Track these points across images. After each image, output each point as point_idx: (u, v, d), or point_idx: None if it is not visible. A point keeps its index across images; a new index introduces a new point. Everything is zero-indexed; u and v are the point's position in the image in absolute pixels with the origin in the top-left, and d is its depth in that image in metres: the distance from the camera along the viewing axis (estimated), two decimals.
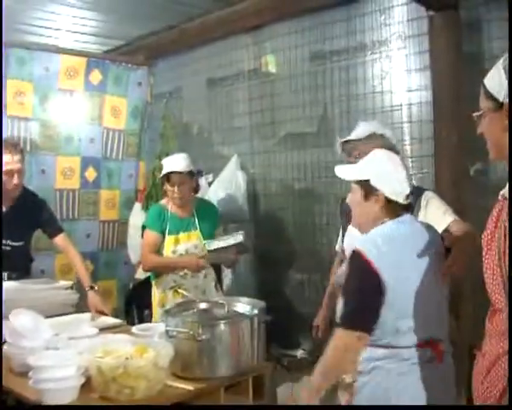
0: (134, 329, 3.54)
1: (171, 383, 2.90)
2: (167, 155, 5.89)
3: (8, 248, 4.09)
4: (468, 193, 3.94)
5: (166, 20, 5.94)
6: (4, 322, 3.13)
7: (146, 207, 5.88)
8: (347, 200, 2.84)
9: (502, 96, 2.00)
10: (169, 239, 4.31)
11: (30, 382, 2.65)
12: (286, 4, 5.24)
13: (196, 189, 4.49)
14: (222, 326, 2.99)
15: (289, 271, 4.76)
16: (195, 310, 3.25)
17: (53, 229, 4.32)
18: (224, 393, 3.01)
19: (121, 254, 5.88)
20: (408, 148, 4.53)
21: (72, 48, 6.01)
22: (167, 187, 4.30)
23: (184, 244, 4.31)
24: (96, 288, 4.20)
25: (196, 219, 4.37)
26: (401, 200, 2.66)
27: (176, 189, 4.24)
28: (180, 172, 4.25)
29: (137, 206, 5.97)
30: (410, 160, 4.49)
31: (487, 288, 2.11)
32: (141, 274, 5.74)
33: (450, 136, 3.95)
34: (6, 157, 3.98)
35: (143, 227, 4.51)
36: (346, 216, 3.74)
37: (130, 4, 5.54)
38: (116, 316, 4.36)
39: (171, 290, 4.32)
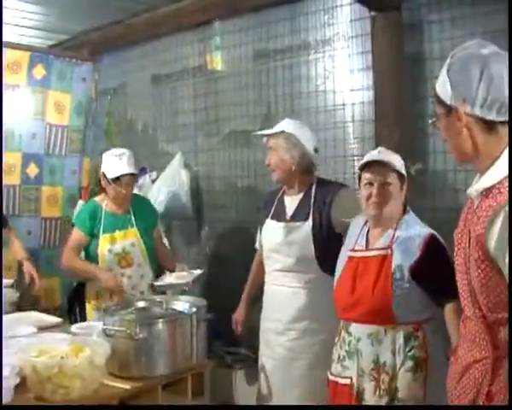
0: (73, 327, 3.51)
1: (108, 382, 2.88)
2: None
3: None
4: (409, 193, 3.98)
5: (112, 15, 5.86)
6: None
7: None
8: (374, 194, 3.03)
9: (449, 100, 2.03)
10: (104, 238, 4.22)
11: None
12: (231, 2, 5.23)
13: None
14: (159, 325, 2.99)
15: (232, 268, 4.74)
16: (133, 308, 3.23)
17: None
18: (163, 391, 3.00)
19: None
20: (350, 147, 4.54)
21: (17, 42, 5.89)
22: (113, 187, 4.20)
23: (121, 243, 4.23)
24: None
25: (133, 216, 4.29)
26: None
27: (123, 189, 4.18)
28: (132, 174, 4.22)
29: (81, 203, 5.88)
30: (353, 159, 4.51)
31: (459, 291, 2.14)
32: None
33: (391, 135, 3.97)
34: None
35: (72, 224, 4.44)
36: (268, 210, 3.82)
37: None
38: (60, 315, 4.28)
39: (107, 291, 4.21)
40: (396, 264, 2.94)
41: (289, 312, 3.67)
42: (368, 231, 3.16)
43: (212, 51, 5.56)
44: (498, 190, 1.92)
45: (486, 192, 1.96)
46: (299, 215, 3.68)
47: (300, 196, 3.74)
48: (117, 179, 4.18)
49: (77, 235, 4.30)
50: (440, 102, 2.08)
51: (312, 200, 3.66)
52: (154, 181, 5.55)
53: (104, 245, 4.21)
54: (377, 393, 2.94)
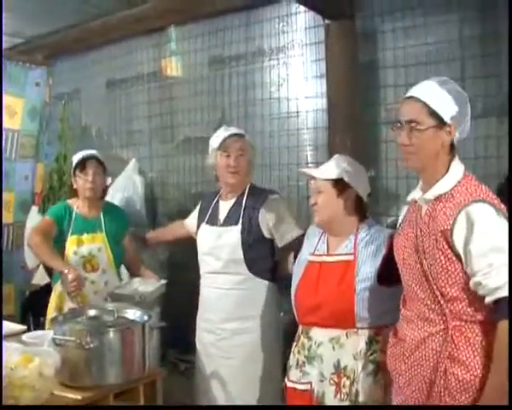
0: (24, 337, 3.44)
1: (59, 392, 2.84)
2: (65, 157, 5.78)
3: None
4: None
5: (66, 19, 5.80)
6: None
7: (43, 210, 5.73)
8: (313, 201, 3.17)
9: (447, 116, 2.45)
10: (71, 240, 4.17)
11: None
12: (186, 8, 5.20)
13: (105, 191, 4.42)
14: (110, 334, 2.95)
15: (186, 275, 4.72)
16: (84, 317, 3.19)
17: None
18: (114, 401, 2.97)
19: (17, 259, 5.70)
20: (304, 154, 4.58)
21: None
22: (79, 177, 4.18)
23: (87, 246, 4.17)
24: None
25: (103, 221, 4.25)
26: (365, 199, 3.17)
27: (90, 177, 4.14)
28: (96, 159, 4.19)
29: (34, 209, 5.81)
30: (305, 166, 4.54)
31: (406, 280, 2.61)
32: (38, 280, 5.60)
33: (343, 142, 4.01)
34: None
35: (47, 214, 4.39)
36: (204, 215, 3.92)
37: (29, 1, 5.39)
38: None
39: (69, 294, 4.07)
40: (360, 268, 3.01)
41: (220, 312, 3.80)
42: (328, 238, 3.23)
43: (168, 57, 5.55)
44: (451, 195, 2.44)
45: (439, 197, 2.47)
46: (230, 220, 3.82)
47: (233, 201, 3.87)
48: (83, 168, 4.16)
49: (45, 219, 4.26)
50: (434, 114, 2.45)
51: (243, 205, 3.79)
52: (108, 187, 5.50)
53: (70, 247, 4.16)
54: (338, 397, 2.98)
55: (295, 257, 3.42)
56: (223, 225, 3.83)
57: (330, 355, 3.02)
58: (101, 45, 5.99)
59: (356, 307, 2.96)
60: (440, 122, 2.46)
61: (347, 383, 2.97)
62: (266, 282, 3.77)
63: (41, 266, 5.53)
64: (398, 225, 2.83)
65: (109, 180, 5.43)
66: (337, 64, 4.18)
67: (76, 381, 2.91)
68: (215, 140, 3.88)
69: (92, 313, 3.27)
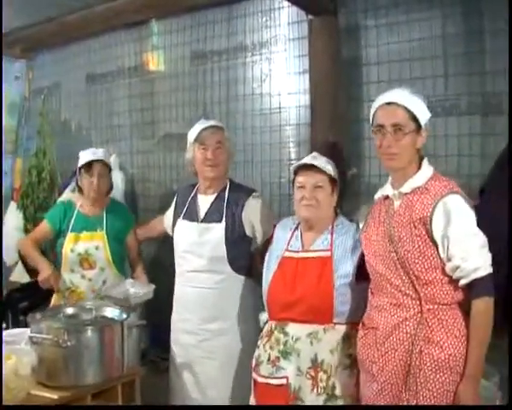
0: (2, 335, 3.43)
1: (36, 392, 2.84)
2: (44, 152, 5.76)
3: None
4: (343, 196, 4.04)
5: (46, 12, 5.76)
6: None
7: (21, 206, 5.72)
8: (306, 197, 3.16)
9: (423, 121, 2.77)
10: (69, 237, 4.19)
11: None
12: (168, 1, 5.19)
13: (110, 189, 4.40)
14: (88, 332, 2.95)
15: (167, 273, 4.71)
16: (62, 315, 3.18)
17: None
18: (92, 400, 2.98)
19: None
20: (286, 151, 4.59)
21: None
22: (84, 178, 4.19)
23: (84, 244, 4.17)
24: None
25: (105, 220, 4.25)
26: None
27: (95, 180, 4.15)
28: (102, 162, 4.19)
29: (13, 205, 5.80)
30: (288, 162, 4.55)
31: (377, 270, 2.81)
32: (17, 277, 5.58)
33: (326, 139, 4.01)
34: None
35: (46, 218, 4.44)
36: (180, 210, 3.91)
37: None
38: None
39: (67, 291, 4.17)
40: (338, 265, 3.07)
41: (201, 312, 3.75)
42: (301, 234, 3.26)
43: (149, 51, 5.53)
44: (425, 189, 2.73)
45: (414, 191, 2.75)
46: (212, 216, 3.78)
47: (213, 197, 3.83)
48: (89, 169, 4.16)
49: (43, 226, 4.33)
50: (414, 119, 2.75)
51: (225, 202, 3.76)
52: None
53: (68, 244, 4.18)
54: (315, 391, 3.03)
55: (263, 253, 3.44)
56: (204, 221, 3.79)
57: (307, 350, 3.06)
58: (82, 39, 5.96)
59: (335, 303, 3.02)
60: (418, 127, 2.77)
61: (324, 377, 3.03)
62: (246, 279, 3.75)
63: (19, 264, 5.51)
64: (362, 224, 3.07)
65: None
66: (320, 60, 4.18)
67: (53, 380, 2.92)
68: (192, 133, 3.85)
69: (70, 311, 3.28)
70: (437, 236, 2.66)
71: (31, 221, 5.60)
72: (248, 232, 3.74)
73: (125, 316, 3.14)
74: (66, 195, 5.15)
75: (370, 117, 2.87)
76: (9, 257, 5.65)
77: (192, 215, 3.85)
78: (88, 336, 2.95)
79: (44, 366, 2.88)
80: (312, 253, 3.17)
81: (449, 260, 2.65)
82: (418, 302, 2.70)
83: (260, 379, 3.18)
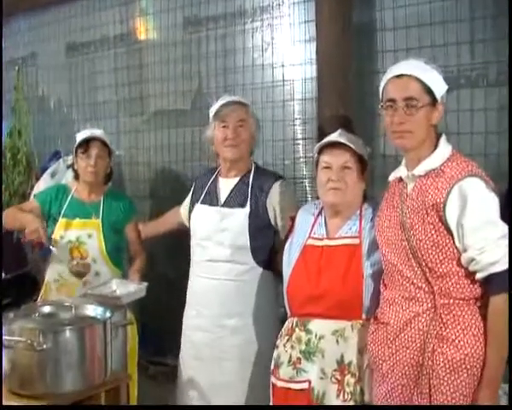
0: None
1: (7, 402, 2.80)
2: (19, 132, 5.73)
3: None
4: None
5: None
6: None
7: None
8: (332, 179, 3.11)
9: (439, 94, 2.74)
10: (60, 223, 4.15)
11: None
12: None
13: (110, 175, 4.36)
14: (67, 333, 2.91)
15: (158, 268, 4.70)
16: (37, 314, 3.14)
17: None
18: None
19: None
20: (290, 129, 4.56)
21: None
22: (81, 159, 4.16)
23: (75, 231, 4.13)
24: None
25: (101, 208, 4.21)
26: None
27: (92, 160, 4.11)
28: (100, 141, 4.15)
29: None
30: (292, 142, 4.53)
31: (389, 259, 2.81)
32: None
33: (334, 116, 3.97)
34: None
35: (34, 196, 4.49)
36: (199, 194, 3.84)
37: None
38: None
39: (55, 283, 4.14)
40: (368, 253, 3.04)
41: (218, 307, 3.72)
42: (325, 220, 3.23)
43: (136, 18, 5.50)
44: (441, 171, 2.70)
45: (428, 173, 2.72)
46: (234, 200, 3.75)
47: (236, 180, 3.80)
48: (86, 149, 4.13)
49: (30, 202, 4.38)
50: (429, 92, 2.71)
51: (250, 187, 3.73)
52: (69, 167, 5.45)
53: (58, 231, 4.14)
54: (341, 397, 2.99)
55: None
56: (224, 205, 3.77)
57: (333, 350, 3.03)
58: (61, 3, 5.93)
59: (364, 297, 2.99)
60: (433, 100, 2.74)
61: (352, 380, 2.99)
62: (268, 273, 3.71)
63: None
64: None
65: (69, 159, 5.40)
66: (328, 26, 4.12)
67: (27, 388, 2.87)
68: (212, 109, 3.82)
69: (47, 309, 3.22)
70: (451, 224, 2.64)
71: (5, 209, 5.56)
72: (273, 221, 3.71)
73: (108, 315, 3.09)
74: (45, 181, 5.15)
75: (380, 91, 2.84)
76: None
77: (212, 199, 3.83)
78: (66, 337, 2.89)
79: (17, 372, 2.84)
80: (339, 240, 3.14)
81: (464, 250, 2.62)
82: (432, 296, 2.69)
83: (280, 383, 3.16)
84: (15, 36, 6.21)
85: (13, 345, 2.85)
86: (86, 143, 4.14)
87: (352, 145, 3.12)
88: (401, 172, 2.87)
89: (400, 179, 2.88)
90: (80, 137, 4.20)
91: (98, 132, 4.23)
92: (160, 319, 4.26)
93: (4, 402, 2.76)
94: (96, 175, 4.18)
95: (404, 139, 2.75)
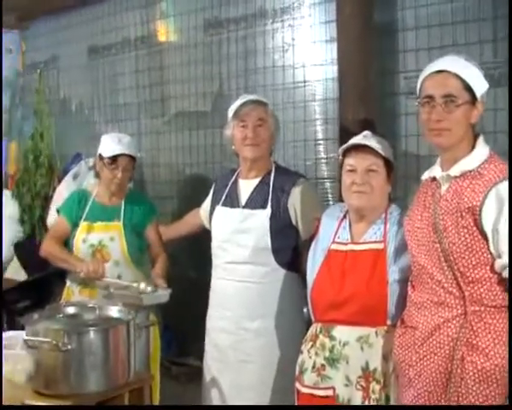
0: None
1: (32, 401, 2.81)
2: (42, 134, 5.76)
3: None
4: None
5: None
6: None
7: (17, 196, 5.72)
8: (357, 183, 3.07)
9: (479, 93, 2.67)
10: (82, 226, 4.17)
11: None
12: None
13: (131, 178, 4.37)
14: (91, 334, 2.91)
15: (179, 268, 4.70)
16: (61, 315, 3.16)
17: None
18: None
19: None
20: (312, 129, 4.55)
21: None
22: (107, 169, 4.15)
23: (97, 234, 4.16)
24: None
25: (122, 211, 4.22)
26: None
27: (119, 174, 4.11)
28: (129, 156, 4.16)
29: (7, 194, 5.80)
30: (313, 143, 4.53)
31: (419, 261, 2.75)
32: (12, 274, 5.59)
33: (356, 116, 3.95)
34: None
35: (57, 211, 4.44)
36: (219, 195, 3.88)
37: None
38: None
39: (78, 286, 4.16)
40: (393, 258, 3.00)
41: (240, 309, 3.71)
42: (350, 224, 3.20)
43: (157, 20, 5.51)
44: (478, 173, 2.62)
45: (464, 175, 2.65)
46: (255, 202, 3.74)
47: (256, 181, 3.79)
48: (113, 161, 4.13)
49: (59, 222, 4.32)
50: (469, 89, 2.65)
51: (271, 187, 3.71)
52: (91, 169, 5.48)
53: (80, 234, 4.16)
54: (366, 404, 2.96)
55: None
56: (245, 206, 3.76)
57: (357, 356, 2.99)
58: (82, 6, 5.96)
59: (389, 302, 2.96)
60: (472, 98, 2.66)
61: (377, 387, 2.96)
62: (291, 274, 3.69)
63: (15, 260, 5.52)
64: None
65: (91, 161, 5.45)
66: (349, 26, 4.10)
67: (52, 388, 2.87)
68: (231, 109, 3.81)
69: (71, 310, 3.24)
70: (487, 228, 2.56)
71: (27, 211, 5.61)
72: (294, 222, 3.69)
73: (132, 316, 3.10)
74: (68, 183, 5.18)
75: (417, 88, 2.79)
76: (4, 252, 5.67)
77: (233, 201, 3.82)
78: (90, 338, 2.89)
79: (42, 372, 2.84)
80: (363, 245, 3.10)
81: (499, 256, 2.55)
82: (462, 302, 2.62)
83: (304, 390, 3.13)
84: (37, 39, 6.23)
85: (37, 346, 2.88)
86: (114, 157, 4.14)
87: (377, 148, 3.08)
88: (435, 171, 2.80)
89: (433, 179, 2.80)
90: (107, 149, 4.17)
91: (127, 147, 4.18)
92: (182, 321, 4.26)
93: (29, 402, 2.78)
94: (121, 186, 4.20)
95: (441, 137, 2.68)
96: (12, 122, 5.77)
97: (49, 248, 4.22)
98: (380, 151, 3.07)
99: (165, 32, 5.46)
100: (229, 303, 3.76)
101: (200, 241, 4.17)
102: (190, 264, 4.82)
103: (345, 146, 3.19)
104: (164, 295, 3.86)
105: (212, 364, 3.84)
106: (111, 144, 4.18)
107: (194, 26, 5.21)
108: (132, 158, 4.21)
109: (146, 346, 3.60)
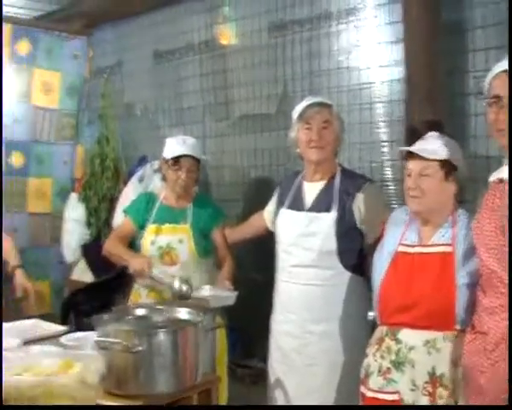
0: (63, 339, 3.45)
1: (103, 401, 2.83)
2: (107, 139, 5.82)
3: None
4: None
5: None
6: None
7: (84, 199, 5.79)
8: (410, 187, 3.06)
9: None
10: (150, 229, 4.23)
11: None
12: None
13: (197, 180, 4.40)
14: (161, 335, 2.93)
15: (244, 270, 4.70)
16: (131, 317, 3.19)
17: None
18: None
19: (54, 253, 5.78)
20: (378, 131, 4.52)
21: None
22: (171, 171, 4.21)
23: (166, 236, 4.20)
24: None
25: (190, 213, 4.28)
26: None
27: (183, 175, 4.17)
28: (193, 157, 4.20)
29: (74, 197, 5.88)
30: (379, 144, 4.50)
31: (488, 265, 2.66)
32: (78, 276, 5.67)
33: (423, 117, 3.91)
34: None
35: (124, 212, 4.51)
36: (284, 198, 3.88)
37: None
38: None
39: (145, 289, 4.23)
40: (462, 261, 2.96)
41: (305, 312, 3.71)
42: (418, 226, 3.17)
43: (221, 23, 5.52)
44: None
45: None
46: (321, 205, 3.73)
47: (322, 184, 3.78)
48: (177, 162, 4.17)
49: (126, 224, 4.39)
50: None
51: (336, 190, 3.71)
52: (156, 171, 5.52)
53: (149, 236, 4.21)
54: None
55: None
56: (311, 210, 3.75)
57: (424, 361, 2.95)
58: (146, 11, 6.00)
59: (457, 306, 2.91)
60: None
61: (444, 393, 2.91)
62: (356, 277, 3.69)
63: (82, 261, 5.60)
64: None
65: (156, 164, 5.50)
66: (416, 27, 4.08)
67: (122, 389, 2.90)
68: (295, 111, 3.81)
69: (140, 312, 3.27)
70: None
71: (94, 214, 5.68)
72: (359, 224, 3.68)
73: (200, 318, 3.12)
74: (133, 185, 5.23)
75: (485, 87, 2.74)
76: (69, 254, 5.75)
77: (298, 204, 3.81)
78: (160, 339, 2.91)
79: (112, 373, 2.87)
80: (431, 248, 3.06)
81: None
82: None
83: (369, 393, 3.10)
84: (103, 44, 6.31)
85: (108, 346, 2.91)
86: (177, 158, 4.18)
87: (428, 152, 3.04)
88: (503, 173, 2.70)
89: (501, 181, 2.71)
90: (171, 150, 4.22)
91: (190, 148, 4.22)
92: (247, 322, 4.25)
93: (100, 402, 2.81)
94: (186, 188, 4.24)
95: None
96: (79, 127, 5.84)
97: (110, 246, 4.30)
98: (429, 155, 3.04)
99: (228, 35, 5.47)
100: (293, 306, 3.76)
101: (265, 243, 4.16)
102: (255, 266, 4.82)
103: (401, 150, 3.22)
104: (230, 297, 3.89)
105: (277, 366, 3.84)
106: (175, 146, 4.22)
107: (259, 28, 5.21)
108: (196, 160, 4.23)
109: (212, 348, 3.62)
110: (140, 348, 2.84)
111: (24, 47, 5.46)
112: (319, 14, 4.81)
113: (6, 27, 5.37)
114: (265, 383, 3.99)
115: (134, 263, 4.04)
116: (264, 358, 4.09)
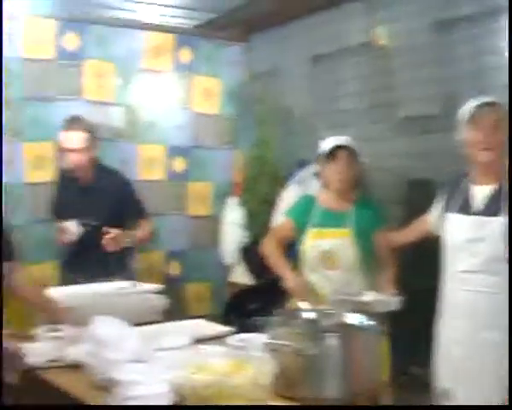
0: (230, 340, 3.49)
1: (272, 403, 2.83)
2: (266, 143, 5.87)
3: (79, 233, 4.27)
4: None
5: None
6: (84, 330, 3.12)
7: (243, 202, 5.86)
8: None
9: None
10: (311, 233, 4.22)
11: (115, 398, 2.62)
12: None
13: (358, 182, 4.36)
14: (332, 339, 2.90)
15: (404, 275, 4.62)
16: (299, 320, 3.17)
17: (134, 213, 4.44)
18: None
19: (214, 255, 5.87)
20: None
21: (159, 23, 6.02)
22: (328, 167, 4.22)
23: (327, 241, 4.18)
24: None
25: (353, 216, 4.23)
26: None
27: (340, 168, 4.16)
28: (348, 149, 4.19)
29: (233, 200, 5.96)
30: None
31: None
32: (238, 278, 5.73)
33: None
34: (64, 134, 4.36)
35: (285, 214, 4.57)
36: (452, 201, 3.77)
37: None
38: None
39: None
40: None
41: (474, 320, 3.59)
42: None
43: (381, 24, 5.45)
44: None
45: None
46: (490, 209, 3.60)
47: (491, 187, 3.64)
48: (332, 157, 4.17)
49: (286, 224, 4.43)
50: None
51: (506, 193, 3.56)
52: (315, 175, 5.51)
53: (309, 240, 4.21)
54: None
55: None
56: (479, 214, 3.62)
57: None
58: (303, 15, 6.01)
59: None
60: None
61: None
62: None
63: (241, 264, 5.66)
64: None
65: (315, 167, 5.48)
66: None
67: (291, 391, 2.88)
68: (463, 111, 3.69)
69: (308, 315, 3.25)
70: None
71: (252, 217, 5.73)
72: None
73: (370, 323, 3.06)
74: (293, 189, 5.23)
75: None
76: (229, 255, 5.83)
77: (466, 208, 3.70)
78: (331, 343, 2.88)
79: (282, 375, 2.86)
80: None
81: None
82: None
83: None
84: (259, 50, 6.36)
85: (278, 349, 2.90)
86: (333, 151, 4.15)
87: None
88: None
89: None
90: (325, 145, 4.21)
91: (344, 140, 4.20)
92: (410, 329, 4.15)
93: (271, 403, 2.81)
94: (344, 183, 4.17)
95: None
96: (238, 132, 5.92)
97: (268, 247, 4.34)
98: None
99: (388, 36, 5.39)
100: (460, 314, 3.65)
101: (428, 248, 4.06)
102: (416, 271, 4.70)
103: None
104: (394, 302, 3.81)
105: (444, 375, 3.71)
106: (330, 140, 4.23)
107: (420, 27, 5.10)
108: (353, 155, 4.18)
109: (378, 353, 3.55)
110: (310, 352, 2.82)
111: (186, 55, 5.59)
112: (487, 9, 4.67)
113: (168, 37, 5.58)
114: (425, 390, 3.88)
115: (290, 282, 4.08)
116: (423, 365, 3.99)
